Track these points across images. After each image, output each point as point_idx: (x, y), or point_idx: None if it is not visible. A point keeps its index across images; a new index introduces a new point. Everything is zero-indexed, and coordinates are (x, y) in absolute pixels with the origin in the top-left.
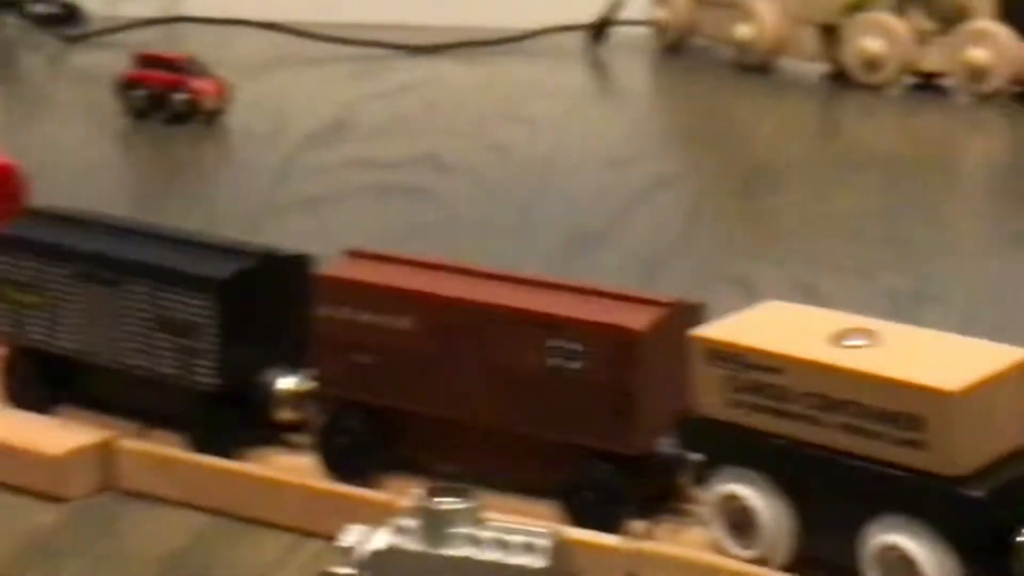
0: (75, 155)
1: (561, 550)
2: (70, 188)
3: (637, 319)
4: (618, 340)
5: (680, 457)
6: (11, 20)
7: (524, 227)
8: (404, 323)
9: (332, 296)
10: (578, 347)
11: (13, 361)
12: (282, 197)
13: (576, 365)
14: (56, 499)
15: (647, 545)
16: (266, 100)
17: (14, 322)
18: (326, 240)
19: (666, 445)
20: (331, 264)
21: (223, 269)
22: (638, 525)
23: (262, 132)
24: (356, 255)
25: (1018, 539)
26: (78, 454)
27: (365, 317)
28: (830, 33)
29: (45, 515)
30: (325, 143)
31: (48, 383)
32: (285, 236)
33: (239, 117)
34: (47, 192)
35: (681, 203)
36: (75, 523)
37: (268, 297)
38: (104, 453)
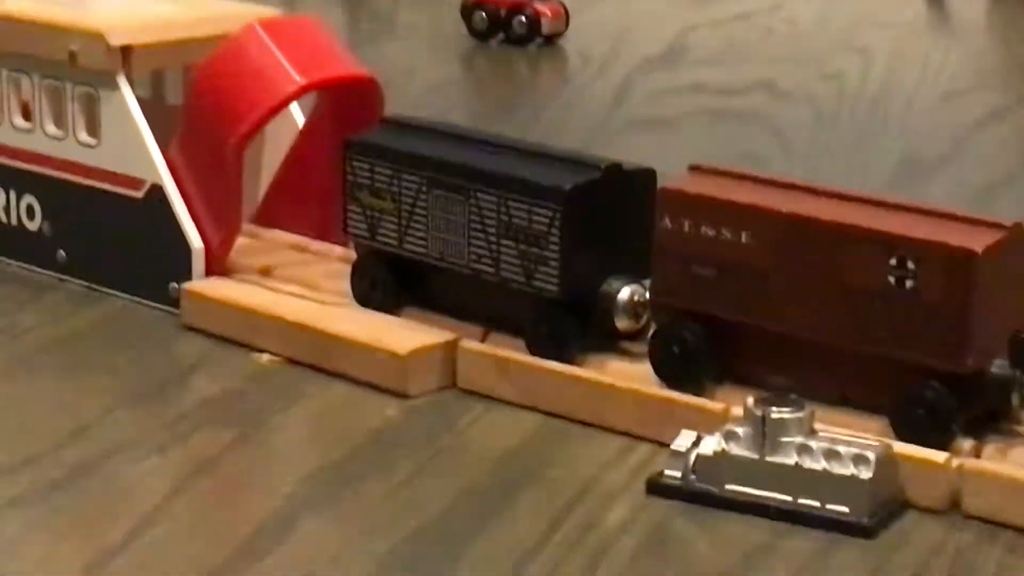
0: (419, 73)
1: (888, 464)
2: (416, 103)
3: (975, 240)
4: (956, 260)
5: (1012, 378)
6: None
7: (857, 155)
8: (744, 238)
9: (674, 209)
10: (916, 266)
11: (365, 263)
12: (617, 118)
13: (913, 283)
14: (400, 395)
15: (974, 463)
16: (604, 24)
17: (367, 226)
18: (660, 161)
19: (998, 365)
20: (674, 178)
21: (569, 180)
22: (966, 443)
23: (599, 55)
24: (698, 170)
25: None
26: (422, 353)
27: (705, 230)
28: None
29: (389, 410)
30: (661, 68)
31: (396, 285)
32: (620, 156)
33: (577, 40)
34: (394, 107)
35: (1016, 135)
36: (416, 418)
37: (611, 209)
38: (447, 353)
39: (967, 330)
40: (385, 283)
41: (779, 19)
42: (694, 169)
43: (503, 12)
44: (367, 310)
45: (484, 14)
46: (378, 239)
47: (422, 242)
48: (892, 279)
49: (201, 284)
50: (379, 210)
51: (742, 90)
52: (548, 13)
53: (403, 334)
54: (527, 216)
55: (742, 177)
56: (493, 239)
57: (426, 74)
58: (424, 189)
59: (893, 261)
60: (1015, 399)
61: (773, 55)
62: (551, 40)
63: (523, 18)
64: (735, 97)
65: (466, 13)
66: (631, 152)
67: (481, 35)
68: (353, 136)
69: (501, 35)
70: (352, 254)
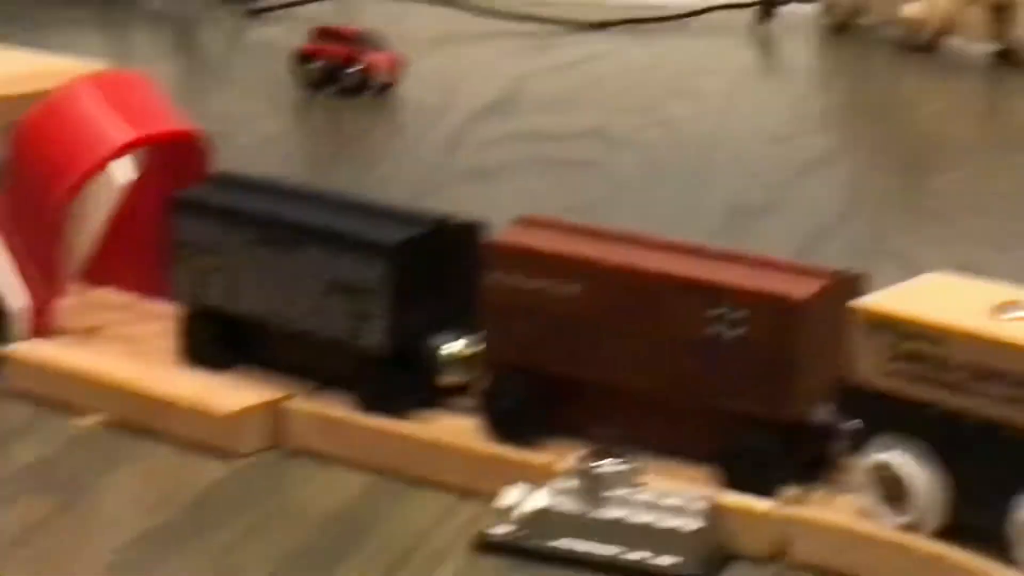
0: (251, 125)
1: (714, 514)
2: (247, 156)
3: (799, 288)
4: (780, 308)
5: (836, 425)
6: None
7: (688, 200)
8: (570, 289)
9: (501, 262)
10: (740, 314)
11: (192, 322)
12: (451, 168)
13: (737, 332)
14: (227, 455)
15: (800, 511)
16: (437, 74)
17: (194, 284)
18: (493, 211)
19: (822, 412)
20: (501, 231)
21: (395, 235)
22: (792, 491)
23: (433, 105)
24: (525, 223)
25: None
26: (249, 412)
27: (533, 283)
28: (1000, 12)
29: (216, 470)
30: (494, 116)
31: (225, 344)
32: (453, 206)
33: (411, 90)
34: (225, 160)
35: (844, 179)
36: (244, 479)
37: (438, 263)
38: (274, 412)
39: (791, 378)
40: (213, 342)
41: (609, 67)
42: (522, 221)
43: (336, 63)
44: (195, 370)
45: (317, 65)
46: (206, 297)
47: (250, 299)
48: (716, 328)
49: (23, 347)
50: (206, 267)
51: (575, 137)
52: (381, 64)
53: (229, 393)
54: (354, 272)
55: (570, 229)
56: (321, 295)
57: (259, 126)
58: (251, 245)
59: (717, 311)
60: (839, 446)
61: (605, 102)
62: (385, 90)
63: (356, 69)
64: (568, 144)
65: (299, 64)
66: (464, 203)
67: (314, 86)
68: (179, 192)
69: (334, 86)
70: (181, 312)
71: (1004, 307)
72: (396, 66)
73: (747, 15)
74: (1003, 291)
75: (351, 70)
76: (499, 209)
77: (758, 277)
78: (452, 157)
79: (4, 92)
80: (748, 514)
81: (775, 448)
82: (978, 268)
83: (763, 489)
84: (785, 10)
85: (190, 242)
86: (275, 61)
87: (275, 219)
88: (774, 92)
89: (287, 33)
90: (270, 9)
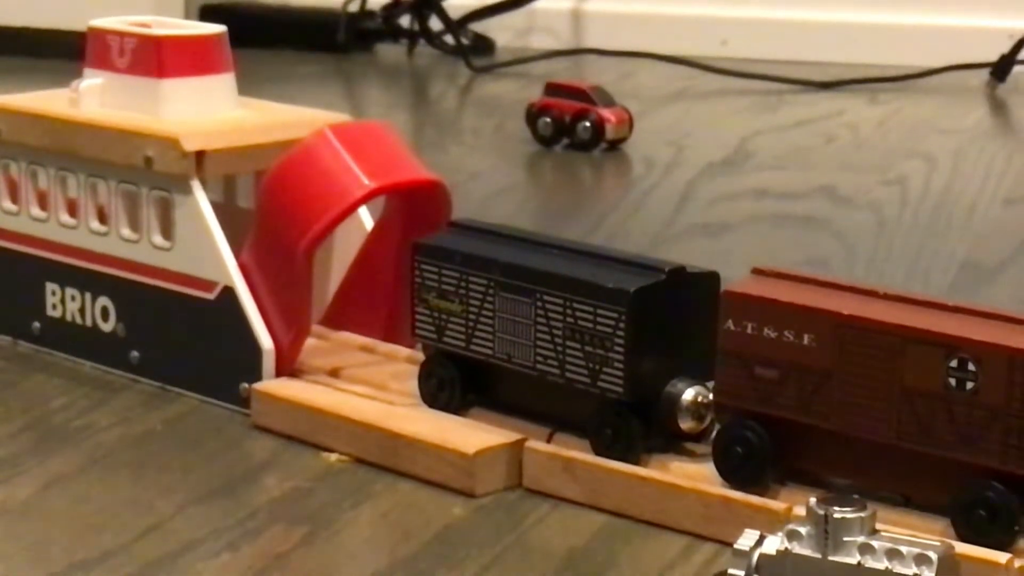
0: (484, 177)
1: (951, 564)
2: (481, 207)
3: None
4: (1016, 361)
5: None
6: (424, 50)
7: (919, 259)
8: (805, 339)
9: (737, 312)
10: (975, 368)
11: (432, 365)
12: (680, 222)
13: (973, 384)
14: (466, 494)
15: None
16: (667, 130)
17: (435, 328)
18: (723, 265)
19: None
20: (737, 281)
21: (634, 282)
22: None
23: (663, 160)
24: (760, 274)
25: None
26: (488, 453)
27: (768, 332)
28: None
29: (455, 509)
30: (724, 172)
31: (464, 387)
32: (683, 259)
33: (641, 145)
34: (460, 210)
35: None
36: (482, 517)
37: (675, 311)
38: (513, 453)
39: None
40: (452, 384)
41: (840, 126)
42: (756, 272)
43: (568, 118)
44: (434, 411)
45: (549, 120)
46: (446, 341)
47: (489, 344)
48: (952, 380)
49: (271, 384)
50: (446, 312)
51: (805, 195)
52: (612, 119)
53: (470, 434)
54: (592, 318)
55: (804, 280)
56: (559, 341)
57: (491, 178)
58: (491, 291)
59: (953, 363)
60: None
61: (835, 161)
62: (615, 145)
63: (588, 124)
64: (798, 202)
65: (531, 119)
66: (694, 256)
67: (546, 140)
68: (421, 239)
69: (566, 140)
70: (419, 355)
71: None
72: (627, 122)
73: (979, 76)
74: None
75: (582, 125)
76: (730, 263)
77: (995, 330)
78: (682, 212)
79: (254, 141)
80: (984, 565)
81: (1010, 501)
82: None
83: (996, 542)
84: (1019, 71)
85: (431, 287)
86: (505, 115)
87: (514, 266)
88: (1008, 153)
89: (517, 88)
90: (499, 65)
